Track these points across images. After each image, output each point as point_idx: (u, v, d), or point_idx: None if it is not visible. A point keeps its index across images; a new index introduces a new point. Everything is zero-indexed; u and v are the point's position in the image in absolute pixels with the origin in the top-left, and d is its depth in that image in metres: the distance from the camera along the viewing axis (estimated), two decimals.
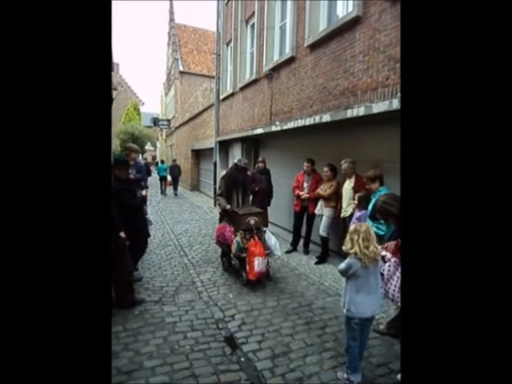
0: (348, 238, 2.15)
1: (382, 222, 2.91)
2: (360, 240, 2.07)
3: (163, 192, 13.48)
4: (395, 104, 3.29)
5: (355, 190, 4.11)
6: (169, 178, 13.92)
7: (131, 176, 4.62)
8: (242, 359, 2.46)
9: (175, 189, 13.56)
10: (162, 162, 15.45)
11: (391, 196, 2.44)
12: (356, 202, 3.88)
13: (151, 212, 7.91)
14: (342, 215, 4.36)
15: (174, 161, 14.94)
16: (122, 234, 3.15)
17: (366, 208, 3.60)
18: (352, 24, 4.03)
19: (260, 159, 6.07)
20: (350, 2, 4.23)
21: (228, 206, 4.20)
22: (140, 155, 24.57)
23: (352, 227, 2.21)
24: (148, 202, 6.34)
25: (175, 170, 13.61)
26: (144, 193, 4.53)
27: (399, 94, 3.32)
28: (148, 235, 4.22)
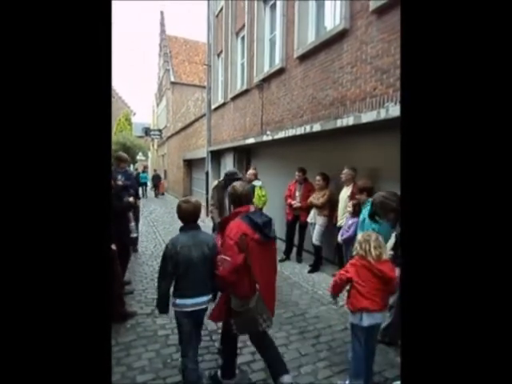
0: (359, 247, 2.17)
1: (380, 221, 2.92)
2: (372, 249, 2.11)
3: (144, 195, 16.05)
4: (383, 114, 3.36)
5: (351, 198, 4.06)
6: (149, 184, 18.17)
7: (119, 182, 4.63)
8: (236, 371, 2.43)
9: (159, 192, 17.48)
10: (143, 171, 18.59)
11: (391, 192, 2.51)
12: (350, 209, 3.90)
13: (143, 223, 7.84)
14: (338, 224, 4.30)
15: (155, 171, 19.28)
16: (113, 247, 3.12)
17: (358, 216, 3.64)
18: (339, 36, 4.14)
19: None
20: (338, 15, 4.35)
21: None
22: (131, 165, 24.50)
23: (361, 237, 2.22)
24: (140, 213, 6.29)
25: (156, 178, 17.72)
26: (131, 199, 4.50)
27: (387, 104, 3.40)
28: (129, 243, 4.15)
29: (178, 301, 2.11)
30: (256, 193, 5.29)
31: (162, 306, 2.15)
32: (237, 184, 2.28)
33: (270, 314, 2.13)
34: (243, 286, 1.99)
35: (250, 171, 5.71)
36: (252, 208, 2.20)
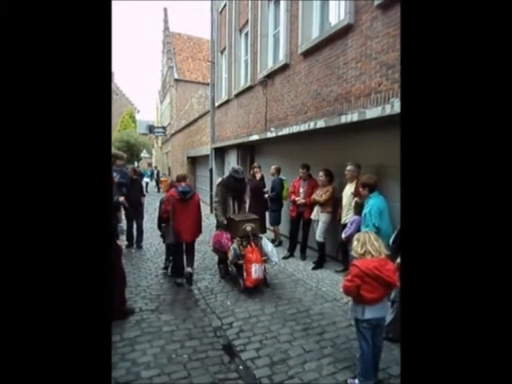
0: (357, 243, 2.18)
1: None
2: (374, 241, 2.13)
3: (146, 190, 17.50)
4: (388, 109, 3.33)
5: (355, 195, 4.01)
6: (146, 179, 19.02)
7: (114, 179, 4.65)
8: (241, 367, 2.44)
9: (159, 189, 18.72)
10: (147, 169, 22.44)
11: None
12: (353, 206, 3.88)
13: (147, 220, 7.86)
14: (342, 221, 4.25)
15: (155, 167, 22.87)
16: (119, 242, 3.14)
17: (360, 214, 3.62)
18: (344, 31, 4.10)
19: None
20: (342, 10, 4.31)
21: (225, 222, 4.19)
22: (136, 162, 24.65)
23: (358, 236, 2.23)
24: (144, 210, 6.32)
25: (157, 175, 19.95)
26: (121, 199, 4.46)
27: (392, 99, 3.37)
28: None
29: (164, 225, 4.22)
30: (285, 185, 5.60)
31: (160, 227, 4.49)
32: (179, 173, 4.66)
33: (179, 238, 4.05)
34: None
35: (273, 166, 5.82)
36: (183, 184, 4.08)
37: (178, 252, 4.14)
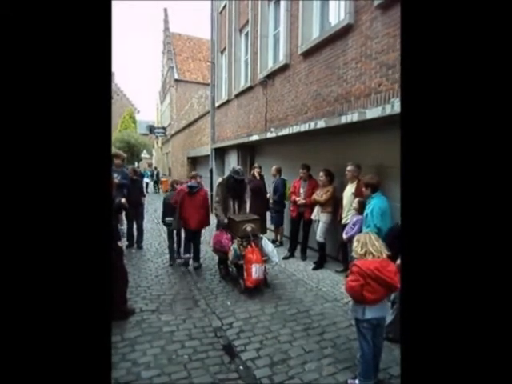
0: (357, 244, 2.17)
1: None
2: (375, 241, 2.13)
3: (146, 191, 17.58)
4: (388, 110, 3.33)
5: (356, 195, 4.01)
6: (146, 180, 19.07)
7: (116, 180, 4.64)
8: (241, 367, 2.44)
9: (158, 189, 18.83)
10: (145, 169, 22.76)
11: None
12: (356, 206, 3.87)
13: (147, 220, 7.87)
14: (342, 221, 4.25)
15: (155, 168, 22.41)
16: (120, 243, 3.14)
17: (362, 213, 3.62)
18: (344, 32, 4.10)
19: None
20: (342, 10, 4.31)
21: (226, 220, 4.19)
22: (136, 163, 24.70)
23: (358, 237, 2.22)
24: (145, 210, 6.31)
25: (157, 176, 19.78)
26: (123, 201, 4.46)
27: (392, 100, 3.37)
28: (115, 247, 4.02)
29: (167, 219, 4.89)
30: (287, 186, 5.63)
31: (164, 222, 5.03)
32: (192, 172, 5.56)
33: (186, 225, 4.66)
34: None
35: (274, 167, 5.85)
36: (193, 180, 4.81)
37: (188, 237, 4.79)
